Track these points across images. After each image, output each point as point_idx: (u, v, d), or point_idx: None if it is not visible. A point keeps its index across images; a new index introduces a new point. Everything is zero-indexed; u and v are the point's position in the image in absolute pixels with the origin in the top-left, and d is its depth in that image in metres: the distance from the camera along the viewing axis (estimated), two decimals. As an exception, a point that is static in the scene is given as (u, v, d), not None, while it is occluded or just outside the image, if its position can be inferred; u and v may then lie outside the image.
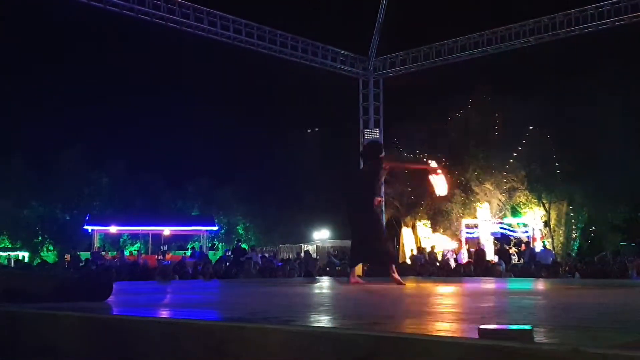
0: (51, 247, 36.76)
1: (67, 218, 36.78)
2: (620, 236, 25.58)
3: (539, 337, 2.05)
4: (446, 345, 1.91)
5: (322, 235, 40.83)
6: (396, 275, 7.94)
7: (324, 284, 8.98)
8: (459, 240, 26.76)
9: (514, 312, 3.95)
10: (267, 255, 25.99)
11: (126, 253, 31.80)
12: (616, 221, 26.34)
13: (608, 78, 23.83)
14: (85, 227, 31.30)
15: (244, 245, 26.75)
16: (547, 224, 26.79)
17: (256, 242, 40.29)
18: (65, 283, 4.48)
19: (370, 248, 8.15)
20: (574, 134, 24.84)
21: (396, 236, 28.71)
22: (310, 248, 32.18)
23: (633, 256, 17.58)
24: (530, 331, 2.02)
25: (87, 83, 39.65)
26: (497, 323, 2.57)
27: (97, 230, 31.80)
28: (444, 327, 2.66)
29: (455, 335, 2.31)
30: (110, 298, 4.46)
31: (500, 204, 27.59)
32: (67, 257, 25.44)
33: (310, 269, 17.55)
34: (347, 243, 31.00)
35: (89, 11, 15.78)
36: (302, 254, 23.90)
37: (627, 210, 24.90)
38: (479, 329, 2.02)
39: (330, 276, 15.05)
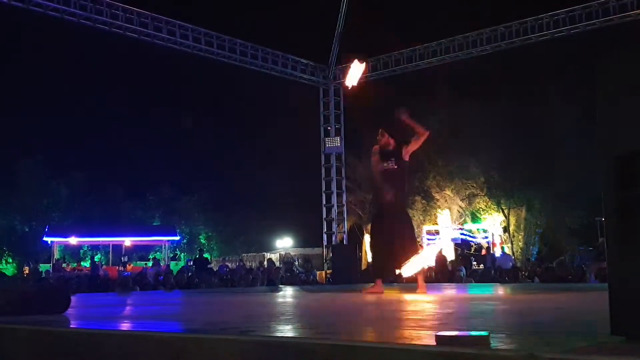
0: (10, 260, 36.09)
1: (26, 229, 36.14)
2: (578, 241, 25.92)
3: (496, 343, 2.07)
4: (401, 352, 1.91)
5: (285, 244, 40.74)
6: (422, 283, 7.54)
7: (287, 293, 8.96)
8: (421, 247, 26.90)
9: (472, 317, 3.98)
10: (229, 265, 25.84)
11: (87, 264, 31.39)
12: (574, 226, 26.67)
13: (566, 84, 24.19)
14: (45, 238, 30.81)
15: (206, 255, 26.56)
16: (506, 229, 27.05)
17: (219, 251, 40.03)
18: (22, 296, 4.41)
19: (406, 254, 7.47)
20: (533, 139, 25.14)
21: (358, 244, 28.77)
22: (274, 257, 32.12)
23: (590, 260, 17.82)
24: (487, 337, 2.03)
25: (46, 93, 39.11)
26: (456, 329, 2.59)
27: (57, 241, 31.32)
28: (402, 334, 2.67)
29: (411, 342, 2.33)
30: (69, 310, 4.40)
31: (461, 210, 27.80)
32: (26, 269, 25.00)
33: (272, 277, 17.50)
34: (311, 251, 31.03)
35: (46, 18, 15.54)
36: (265, 263, 23.85)
37: (584, 215, 25.22)
38: (436, 335, 2.03)
39: (294, 285, 15.04)
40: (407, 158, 7.69)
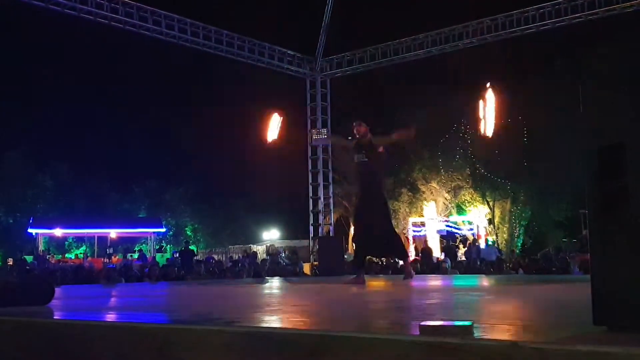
0: (-7, 251, 35.84)
1: (10, 221, 35.90)
2: (562, 233, 26.10)
3: (479, 333, 2.08)
4: (386, 342, 1.92)
5: (272, 235, 40.69)
6: (409, 269, 7.94)
7: (272, 285, 8.96)
8: (406, 239, 27.00)
9: (457, 308, 4.00)
10: (215, 257, 25.79)
11: (71, 256, 31.24)
12: (558, 218, 26.86)
13: (551, 77, 24.28)
14: (30, 230, 30.62)
15: (192, 247, 26.50)
16: (491, 221, 27.19)
17: (205, 243, 39.92)
18: (5, 287, 4.38)
19: (386, 242, 7.75)
20: (518, 132, 25.24)
21: (345, 235, 28.81)
22: (260, 248, 32.08)
23: (574, 252, 17.95)
24: (470, 327, 2.04)
25: (29, 84, 38.76)
26: (440, 319, 2.60)
27: (42, 233, 31.12)
28: (387, 324, 2.68)
29: (396, 331, 2.33)
30: (53, 302, 4.38)
31: (446, 202, 27.92)
32: (10, 260, 24.86)
33: (259, 269, 17.49)
34: (297, 243, 31.07)
35: (32, 10, 15.47)
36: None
37: (568, 207, 25.41)
38: (420, 325, 2.04)
39: (280, 276, 15.03)
40: (380, 149, 7.77)
